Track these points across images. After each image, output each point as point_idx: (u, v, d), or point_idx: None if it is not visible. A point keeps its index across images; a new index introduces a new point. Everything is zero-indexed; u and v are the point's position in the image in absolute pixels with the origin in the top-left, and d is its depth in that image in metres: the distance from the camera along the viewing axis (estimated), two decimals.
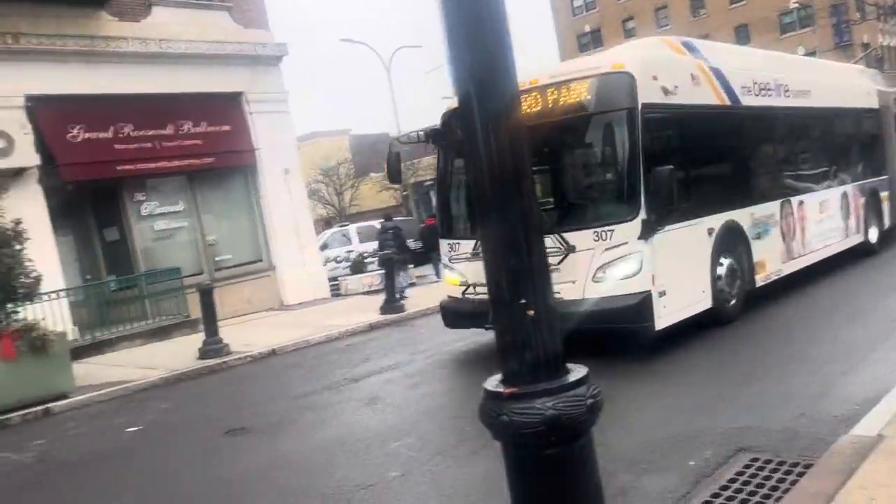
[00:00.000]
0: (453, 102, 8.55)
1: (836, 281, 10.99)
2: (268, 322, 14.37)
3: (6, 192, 9.77)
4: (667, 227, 7.53)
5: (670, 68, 8.22)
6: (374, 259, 18.22)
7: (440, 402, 7.25)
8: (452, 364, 8.75)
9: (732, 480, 4.40)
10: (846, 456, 4.18)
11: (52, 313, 11.20)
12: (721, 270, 8.56)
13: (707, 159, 8.91)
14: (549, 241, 7.10)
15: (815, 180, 11.46)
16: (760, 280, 9.44)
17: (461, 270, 8.46)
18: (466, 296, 8.27)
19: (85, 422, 8.33)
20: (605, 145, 7.91)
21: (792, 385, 6.06)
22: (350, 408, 7.34)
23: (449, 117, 8.88)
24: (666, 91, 7.78)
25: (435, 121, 9.29)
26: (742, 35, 53.02)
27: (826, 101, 11.87)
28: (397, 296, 13.77)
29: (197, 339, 11.44)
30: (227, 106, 15.81)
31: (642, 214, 7.27)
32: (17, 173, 12.52)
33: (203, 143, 15.13)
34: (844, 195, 12.21)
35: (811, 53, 41.22)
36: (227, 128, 15.71)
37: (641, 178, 7.28)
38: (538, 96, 7.81)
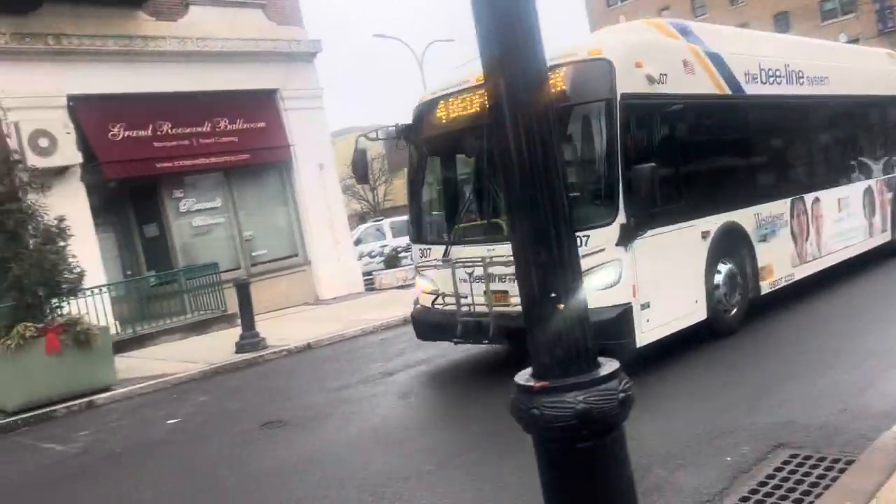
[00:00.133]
0: (426, 94, 8.23)
1: (861, 283, 10.14)
2: (303, 316, 14.52)
3: (50, 190, 9.98)
4: (650, 232, 6.79)
5: (658, 54, 7.39)
6: (407, 254, 18.29)
7: (473, 396, 7.27)
8: (487, 358, 8.76)
9: (771, 476, 4.33)
10: (889, 452, 4.09)
11: (95, 308, 11.47)
12: (719, 278, 7.81)
13: (702, 155, 8.06)
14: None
15: (834, 175, 10.53)
16: (767, 287, 8.60)
17: (432, 278, 7.86)
18: (436, 306, 7.71)
19: (127, 414, 8.52)
20: (579, 141, 7.17)
21: (833, 380, 5.94)
22: (385, 401, 7.39)
23: (421, 111, 8.16)
24: (652, 80, 7.04)
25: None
26: (782, 23, 51.96)
27: (847, 88, 10.86)
28: None
29: (234, 333, 11.61)
30: (262, 103, 15.98)
31: (621, 218, 6.55)
32: (61, 172, 12.82)
33: (239, 140, 15.32)
34: (868, 190, 11.18)
35: (854, 41, 40.21)
36: (262, 124, 15.88)
37: (620, 177, 6.53)
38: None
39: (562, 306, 1.89)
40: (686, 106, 7.58)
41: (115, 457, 6.84)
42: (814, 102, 10.04)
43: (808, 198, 9.62)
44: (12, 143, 11.57)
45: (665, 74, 7.24)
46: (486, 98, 8.08)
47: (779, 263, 8.84)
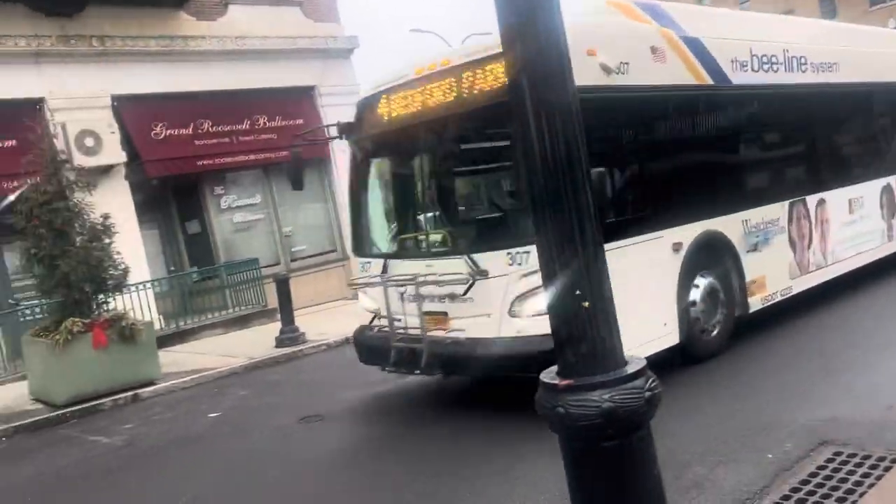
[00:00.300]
0: (367, 89, 7.38)
1: (876, 292, 9.00)
2: (342, 311, 14.62)
3: (95, 189, 10.22)
4: (606, 246, 6.10)
5: (618, 40, 6.46)
6: None
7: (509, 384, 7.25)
8: None
9: (814, 474, 4.24)
10: None
11: (139, 304, 11.73)
12: (695, 295, 6.86)
13: (673, 155, 6.96)
14: (458, 265, 6.00)
15: (844, 173, 9.36)
16: (758, 302, 7.57)
17: (373, 296, 7.00)
18: (373, 327, 6.98)
19: (170, 407, 8.71)
20: (517, 144, 6.62)
21: (880, 376, 5.78)
22: (421, 395, 7.42)
23: (361, 108, 7.28)
24: (608, 70, 6.14)
25: None
26: (827, 9, 50.44)
27: (862, 75, 9.62)
28: None
29: (274, 327, 11.77)
30: (300, 100, 16.12)
31: None
32: (105, 170, 13.12)
33: (278, 137, 15.48)
34: (888, 189, 9.91)
35: None
36: (300, 121, 16.01)
37: None
38: (436, 86, 6.34)
39: (587, 304, 1.87)
40: (653, 99, 6.63)
41: (157, 450, 7.00)
42: (819, 92, 8.85)
43: (812, 200, 8.52)
44: (59, 143, 11.85)
45: (626, 63, 6.34)
46: (427, 94, 6.37)
47: (773, 276, 7.81)
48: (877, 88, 10.02)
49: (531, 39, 1.86)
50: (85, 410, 8.85)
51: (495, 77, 5.81)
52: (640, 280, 6.05)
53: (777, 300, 7.84)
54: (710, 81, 7.32)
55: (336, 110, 16.47)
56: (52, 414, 8.76)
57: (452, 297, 6.05)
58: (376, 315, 6.89)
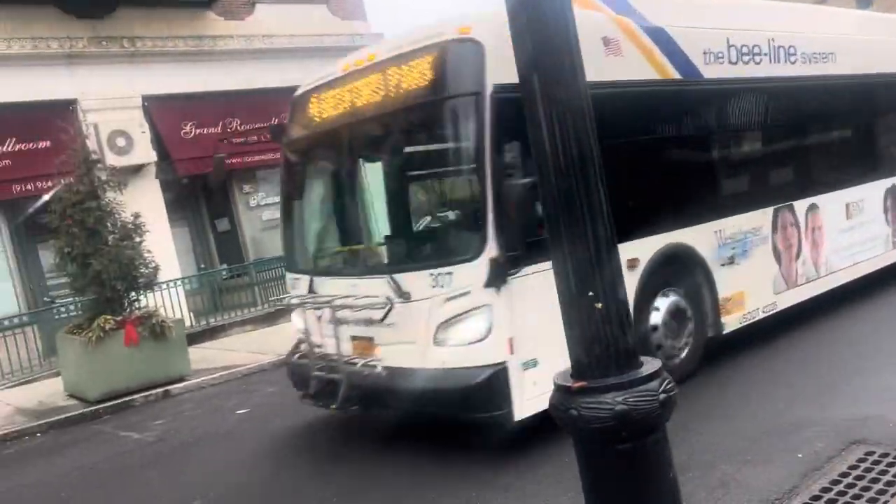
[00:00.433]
0: (301, 87, 6.64)
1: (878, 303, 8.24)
2: None
3: (126, 188, 10.38)
4: (538, 266, 4.97)
5: None
6: None
7: None
8: None
9: (845, 475, 4.15)
10: None
11: (170, 301, 11.90)
12: (656, 317, 6.09)
13: (629, 161, 5.98)
14: (382, 286, 5.34)
15: (841, 174, 8.42)
16: (734, 321, 6.77)
17: (300, 317, 6.31)
18: (298, 351, 6.37)
19: (200, 403, 8.82)
20: (439, 149, 5.60)
21: None
22: None
23: (292, 108, 6.62)
24: None
25: None
26: None
27: (865, 66, 8.69)
28: None
29: None
30: None
31: (490, 250, 4.96)
32: (137, 170, 13.32)
33: None
34: (893, 190, 8.97)
35: None
36: None
37: (490, 197, 4.96)
38: (361, 85, 5.70)
39: (600, 305, 1.84)
40: (605, 97, 5.71)
41: (187, 446, 7.09)
42: (811, 85, 7.96)
43: (801, 205, 7.66)
44: (92, 143, 12.07)
45: None
46: (353, 93, 5.73)
47: (754, 291, 7.01)
48: (882, 80, 9.08)
49: (540, 35, 1.83)
50: (117, 406, 9.00)
51: (421, 73, 5.18)
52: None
53: (759, 318, 7.04)
54: (676, 76, 6.53)
55: None
56: (85, 410, 8.92)
57: (376, 321, 5.40)
58: (302, 339, 6.22)
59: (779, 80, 7.57)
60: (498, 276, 4.99)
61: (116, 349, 9.13)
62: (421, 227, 6.06)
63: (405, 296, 5.20)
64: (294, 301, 6.25)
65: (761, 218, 7.18)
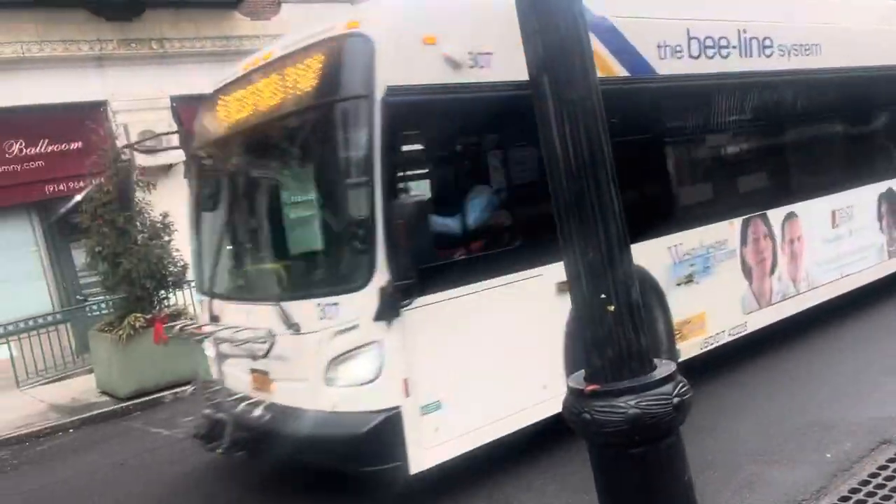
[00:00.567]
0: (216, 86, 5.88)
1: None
2: None
3: (155, 188, 10.52)
4: (438, 296, 4.51)
5: (474, 23, 4.89)
6: None
7: None
8: None
9: (874, 475, 4.10)
10: None
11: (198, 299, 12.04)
12: None
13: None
14: (270, 315, 4.66)
15: (825, 179, 7.62)
16: (693, 347, 6.03)
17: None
18: (195, 381, 5.75)
19: None
20: (324, 162, 4.87)
21: None
22: None
23: (199, 111, 6.05)
24: (456, 64, 4.65)
25: None
26: None
27: (854, 58, 7.84)
28: None
29: None
30: None
31: (379, 279, 4.29)
32: (165, 169, 13.49)
33: None
34: (889, 195, 8.15)
35: None
36: None
37: (379, 217, 4.27)
38: (259, 86, 5.06)
39: (612, 307, 1.82)
40: (528, 99, 4.73)
41: None
42: (791, 80, 7.18)
43: (777, 214, 6.89)
44: (122, 144, 12.25)
45: (487, 54, 4.81)
46: (249, 96, 5.11)
47: (717, 312, 6.27)
48: (875, 73, 8.19)
49: (551, 36, 1.81)
50: (147, 403, 9.14)
51: (304, 75, 4.58)
52: (507, 332, 4.78)
53: (724, 341, 6.32)
54: (623, 73, 5.73)
55: None
56: (116, 406, 9.08)
57: (277, 352, 4.72)
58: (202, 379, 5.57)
59: (751, 76, 6.79)
60: (388, 308, 4.29)
61: (146, 346, 9.26)
62: (307, 251, 5.32)
63: (294, 327, 4.52)
64: (175, 329, 5.64)
65: (727, 230, 6.38)
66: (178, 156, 13.47)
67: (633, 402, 1.81)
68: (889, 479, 4.01)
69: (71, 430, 8.61)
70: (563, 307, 4.58)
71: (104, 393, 9.80)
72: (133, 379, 9.27)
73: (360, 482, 4.74)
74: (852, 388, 5.54)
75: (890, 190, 8.19)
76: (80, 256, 11.99)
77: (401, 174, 4.55)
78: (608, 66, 5.62)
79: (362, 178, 4.36)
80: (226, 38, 14.59)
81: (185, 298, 10.90)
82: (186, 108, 13.85)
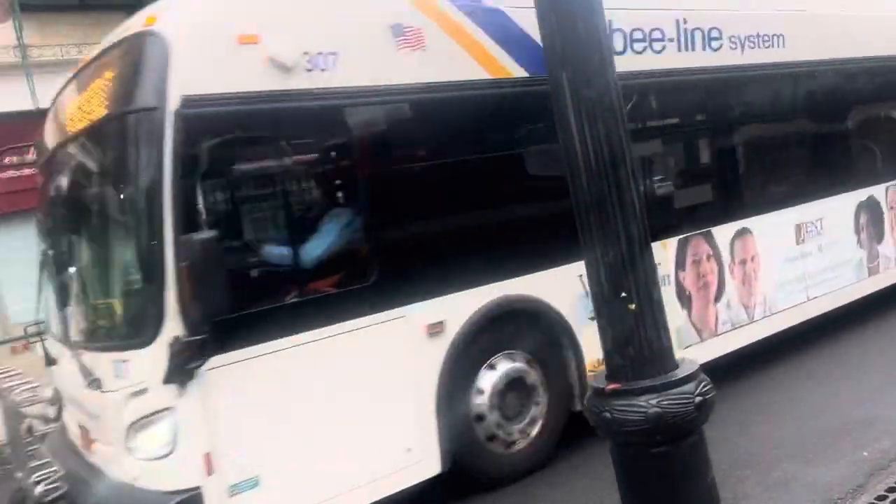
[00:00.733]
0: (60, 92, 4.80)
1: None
2: None
3: None
4: (259, 349, 3.76)
5: (309, 17, 4.09)
6: None
7: None
8: None
9: None
10: None
11: None
12: (480, 399, 4.46)
13: (435, 188, 4.44)
14: (78, 365, 3.96)
15: (788, 189, 6.75)
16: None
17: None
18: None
19: None
20: (114, 190, 4.03)
21: None
22: None
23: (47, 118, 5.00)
24: (286, 67, 3.85)
25: None
26: None
27: (827, 50, 6.95)
28: None
29: None
30: None
31: (167, 333, 3.54)
32: None
33: None
34: (869, 205, 7.18)
35: None
36: None
37: (168, 257, 3.55)
38: (76, 92, 4.32)
39: (633, 306, 1.82)
40: (392, 105, 4.29)
41: None
42: (744, 77, 6.29)
43: (724, 231, 5.98)
44: None
45: (332, 54, 4.01)
46: (66, 106, 4.35)
47: None
48: (855, 67, 7.29)
49: (570, 34, 1.81)
50: None
51: (97, 83, 3.91)
52: (356, 389, 3.97)
53: None
54: (520, 73, 4.79)
55: None
56: None
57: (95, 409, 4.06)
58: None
59: (692, 73, 5.91)
60: (179, 369, 3.58)
61: None
62: (105, 295, 4.55)
63: (95, 383, 3.83)
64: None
65: (658, 252, 5.35)
66: None
67: (654, 402, 1.81)
68: None
69: None
70: (435, 354, 4.24)
71: None
72: None
73: None
74: (887, 387, 5.43)
75: (871, 198, 7.17)
76: None
77: (204, 204, 3.71)
78: (499, 66, 4.74)
79: (149, 208, 3.64)
80: None
81: None
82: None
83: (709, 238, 5.83)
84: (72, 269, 4.61)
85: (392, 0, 4.38)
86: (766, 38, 6.38)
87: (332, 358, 3.89)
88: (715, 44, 6.00)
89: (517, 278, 4.59)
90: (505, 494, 4.55)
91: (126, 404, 3.63)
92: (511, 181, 4.82)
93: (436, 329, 4.27)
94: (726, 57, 6.08)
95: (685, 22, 5.82)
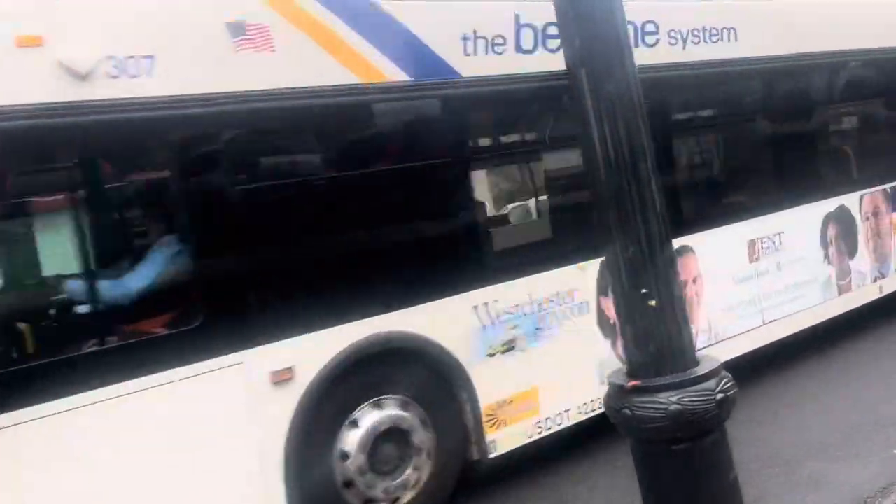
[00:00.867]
0: None
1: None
2: None
3: None
4: (25, 413, 3.01)
5: (116, 15, 3.40)
6: None
7: None
8: None
9: None
10: None
11: None
12: (347, 460, 3.79)
13: (275, 214, 3.80)
14: None
15: (737, 200, 6.13)
16: (516, 437, 4.45)
17: None
18: None
19: None
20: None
21: None
22: None
23: None
24: (80, 74, 3.22)
25: None
26: None
27: (788, 45, 6.05)
28: None
29: None
30: None
31: None
32: None
33: None
34: (838, 216, 6.35)
35: None
36: None
37: None
38: None
39: (653, 302, 1.81)
40: (221, 119, 3.62)
41: None
42: (682, 75, 5.47)
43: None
44: None
45: (147, 58, 3.36)
46: None
47: (558, 386, 4.57)
48: (820, 61, 6.38)
49: (589, 29, 1.81)
50: None
51: None
52: (183, 452, 3.31)
53: (570, 423, 4.65)
54: (399, 77, 4.11)
55: None
56: None
57: None
58: None
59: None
60: None
61: None
62: None
63: None
64: None
65: (575, 277, 4.68)
66: None
67: (674, 398, 1.80)
68: None
69: None
70: (282, 407, 3.54)
71: None
72: None
73: None
74: None
75: (841, 208, 6.33)
76: None
77: None
78: (371, 69, 4.01)
79: None
80: None
81: None
82: None
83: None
84: None
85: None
86: (713, 32, 5.58)
87: (146, 417, 3.22)
88: (650, 39, 5.23)
89: (392, 313, 3.92)
90: (529, 491, 4.57)
91: None
92: (383, 200, 4.10)
93: (283, 377, 3.58)
94: (663, 54, 5.29)
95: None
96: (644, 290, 1.84)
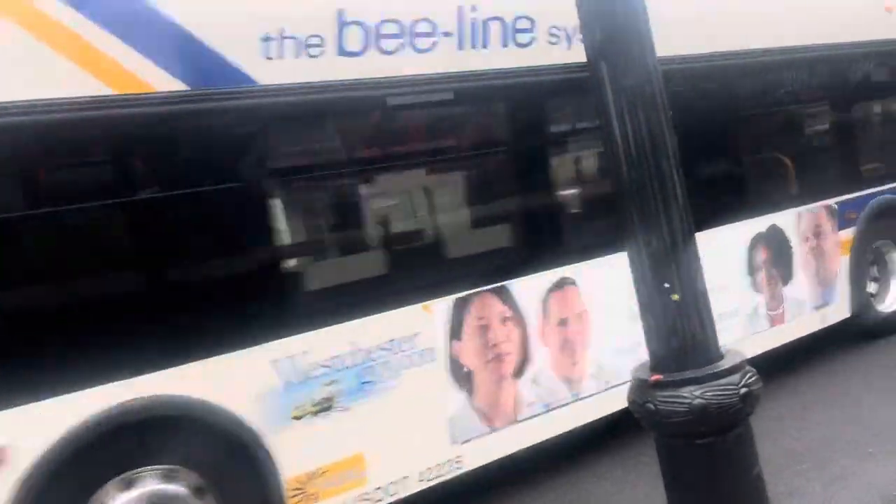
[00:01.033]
0: None
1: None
2: None
3: None
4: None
5: None
6: None
7: None
8: None
9: None
10: None
11: None
12: None
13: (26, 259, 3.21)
14: None
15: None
16: None
17: None
18: None
19: None
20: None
21: None
22: None
23: None
24: None
25: None
26: None
27: (708, 42, 5.21)
28: None
29: None
30: None
31: None
32: None
33: None
34: (769, 237, 5.54)
35: None
36: None
37: None
38: None
39: (676, 297, 1.81)
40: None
41: None
42: (557, 80, 4.49)
43: (529, 283, 4.39)
44: None
45: None
46: None
47: (392, 449, 3.87)
48: (750, 61, 5.54)
49: (609, 22, 1.81)
50: None
51: None
52: None
53: (410, 492, 3.94)
54: (175, 87, 3.38)
55: None
56: None
57: None
58: None
59: (484, 78, 4.24)
60: None
61: None
62: None
63: None
64: None
65: (418, 318, 3.97)
66: None
67: (697, 393, 1.80)
68: None
69: None
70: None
71: None
72: None
73: None
74: None
75: (773, 228, 5.52)
76: None
77: None
78: (133, 79, 3.28)
79: None
80: None
81: None
82: None
83: (503, 295, 4.28)
84: None
85: None
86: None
87: None
88: (523, 37, 4.39)
89: (159, 372, 3.22)
90: (551, 488, 4.57)
91: None
92: (149, 233, 3.39)
93: None
94: (540, 56, 4.47)
95: (473, 10, 4.18)
96: (666, 284, 1.84)
